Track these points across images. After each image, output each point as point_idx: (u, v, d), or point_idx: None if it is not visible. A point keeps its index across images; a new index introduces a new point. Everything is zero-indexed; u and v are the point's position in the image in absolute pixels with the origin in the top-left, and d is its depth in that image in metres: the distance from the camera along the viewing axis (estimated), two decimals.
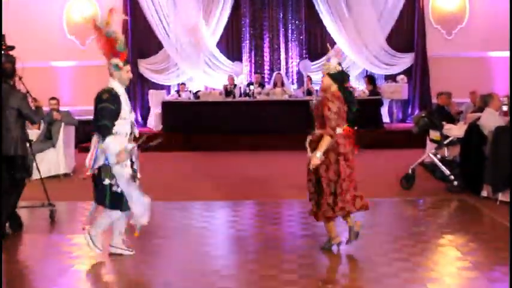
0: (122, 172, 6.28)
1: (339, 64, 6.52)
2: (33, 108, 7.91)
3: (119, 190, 6.28)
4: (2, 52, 8.26)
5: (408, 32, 17.72)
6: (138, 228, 6.56)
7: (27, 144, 7.90)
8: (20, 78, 8.13)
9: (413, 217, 8.45)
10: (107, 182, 6.26)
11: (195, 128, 15.76)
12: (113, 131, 6.23)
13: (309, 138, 6.50)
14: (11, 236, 7.47)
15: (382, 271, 6.05)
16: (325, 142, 6.21)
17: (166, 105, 16.50)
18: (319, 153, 6.22)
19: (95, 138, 6.43)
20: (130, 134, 6.49)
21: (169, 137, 15.74)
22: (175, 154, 14.56)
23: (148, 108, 17.83)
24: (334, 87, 6.41)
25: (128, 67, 6.47)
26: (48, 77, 17.22)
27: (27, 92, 8.07)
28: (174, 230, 7.96)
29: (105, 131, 6.20)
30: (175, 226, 8.14)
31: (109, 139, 6.16)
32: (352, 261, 6.50)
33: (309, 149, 6.43)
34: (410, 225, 7.68)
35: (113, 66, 6.38)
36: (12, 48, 8.53)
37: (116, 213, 6.43)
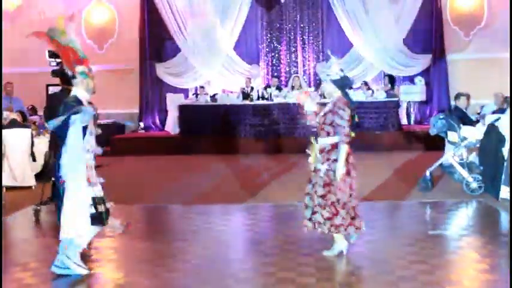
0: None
1: (341, 70, 6.51)
2: None
3: (100, 209, 6.11)
4: (61, 60, 8.68)
5: (426, 33, 17.64)
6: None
7: None
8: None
9: (432, 219, 8.42)
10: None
11: (213, 131, 15.81)
12: (68, 142, 5.97)
13: (316, 147, 6.48)
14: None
15: (400, 274, 6.04)
16: (344, 151, 6.23)
17: (183, 109, 16.56)
18: (341, 164, 6.22)
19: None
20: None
21: (186, 139, 15.84)
22: (192, 157, 14.62)
23: (166, 112, 17.89)
24: (337, 93, 6.41)
25: (93, 74, 6.20)
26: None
27: None
28: (193, 233, 7.98)
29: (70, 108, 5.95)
30: (194, 229, 8.16)
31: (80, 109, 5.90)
32: (370, 264, 6.49)
33: (317, 160, 6.41)
34: (428, 228, 7.65)
35: (81, 74, 6.09)
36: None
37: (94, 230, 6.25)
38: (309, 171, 6.59)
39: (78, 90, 6.13)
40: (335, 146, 6.35)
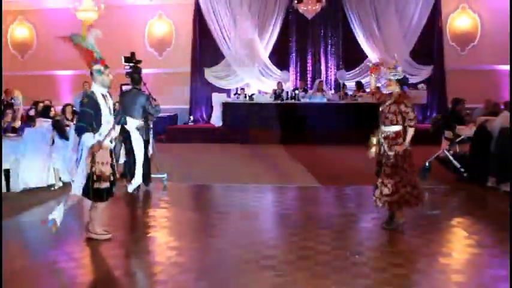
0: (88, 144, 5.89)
1: (402, 71, 6.59)
2: (153, 106, 8.68)
3: (102, 186, 5.97)
4: (133, 64, 8.93)
5: (428, 48, 17.39)
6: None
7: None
8: (145, 84, 8.85)
9: (429, 202, 8.32)
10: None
11: (250, 124, 15.83)
12: (98, 132, 5.90)
13: (381, 134, 6.46)
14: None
15: (401, 246, 6.04)
16: (411, 133, 6.32)
17: (226, 106, 16.61)
18: (407, 143, 6.32)
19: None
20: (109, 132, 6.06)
21: (228, 131, 15.90)
22: (232, 145, 14.67)
23: (212, 108, 17.96)
24: (398, 89, 6.44)
25: (108, 71, 6.11)
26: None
27: (149, 93, 8.86)
28: (231, 207, 8.03)
29: (81, 131, 5.87)
30: (232, 204, 8.21)
31: (85, 136, 5.84)
32: (376, 236, 6.48)
33: (385, 146, 6.39)
34: (426, 209, 7.56)
35: (96, 71, 6.02)
36: (140, 61, 9.10)
37: (101, 205, 6.15)
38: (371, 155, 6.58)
39: (96, 86, 6.05)
40: (399, 134, 6.35)
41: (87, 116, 5.89)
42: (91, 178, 5.92)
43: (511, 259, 5.31)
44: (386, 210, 6.61)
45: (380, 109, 6.51)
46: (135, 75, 8.88)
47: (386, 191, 6.38)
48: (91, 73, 6.09)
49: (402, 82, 6.47)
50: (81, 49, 6.10)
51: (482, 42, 17.21)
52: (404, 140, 6.36)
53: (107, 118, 6.00)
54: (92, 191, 5.97)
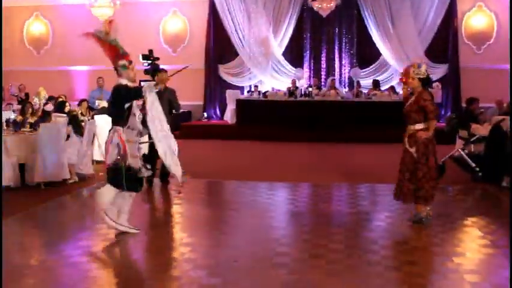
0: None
1: (426, 70, 6.56)
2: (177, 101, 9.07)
3: (139, 176, 6.04)
4: (151, 62, 9.00)
5: (443, 46, 17.26)
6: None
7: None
8: None
9: (443, 201, 8.26)
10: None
11: (263, 121, 15.81)
12: (126, 125, 5.94)
13: (407, 134, 6.54)
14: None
15: (414, 244, 6.00)
16: (433, 124, 6.39)
17: (240, 103, 16.59)
18: (429, 132, 6.41)
19: (110, 133, 6.02)
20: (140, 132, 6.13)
21: (241, 128, 15.90)
22: (245, 142, 14.67)
23: (225, 105, 17.96)
24: (420, 88, 6.44)
25: (133, 65, 6.15)
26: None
27: None
28: (244, 204, 8.03)
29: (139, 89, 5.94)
30: (245, 201, 8.22)
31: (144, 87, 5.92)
32: (389, 235, 6.45)
33: (407, 143, 6.50)
34: (440, 208, 7.52)
35: (121, 66, 6.04)
36: (157, 58, 9.20)
37: (130, 194, 6.16)
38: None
39: (122, 80, 6.07)
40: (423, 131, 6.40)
41: (131, 89, 5.96)
42: (124, 169, 5.91)
43: (511, 259, 5.27)
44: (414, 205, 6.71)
45: (404, 109, 6.56)
46: (155, 70, 9.06)
47: (411, 187, 6.48)
48: (115, 69, 6.11)
49: (425, 82, 6.45)
50: (105, 45, 6.11)
51: (498, 41, 17.03)
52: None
53: (135, 111, 6.01)
54: (126, 179, 5.93)
